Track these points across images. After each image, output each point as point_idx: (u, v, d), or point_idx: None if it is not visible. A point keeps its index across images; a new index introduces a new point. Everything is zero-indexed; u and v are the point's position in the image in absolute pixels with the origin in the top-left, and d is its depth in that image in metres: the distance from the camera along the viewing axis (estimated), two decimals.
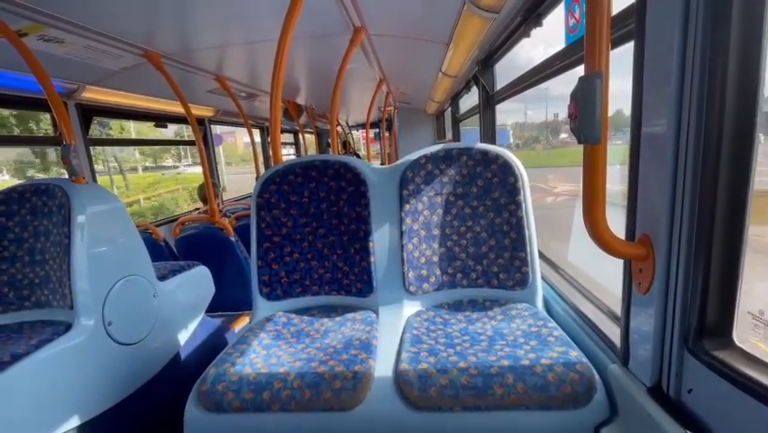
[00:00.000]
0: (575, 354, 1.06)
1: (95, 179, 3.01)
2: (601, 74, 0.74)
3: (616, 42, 1.03)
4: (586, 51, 0.75)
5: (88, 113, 2.93)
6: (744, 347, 0.71)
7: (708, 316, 0.74)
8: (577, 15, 1.34)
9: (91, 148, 2.95)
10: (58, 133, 2.64)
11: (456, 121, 4.84)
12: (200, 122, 4.41)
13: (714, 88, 0.69)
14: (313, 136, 8.42)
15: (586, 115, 0.75)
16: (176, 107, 3.40)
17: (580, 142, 0.78)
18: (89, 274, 1.52)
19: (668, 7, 0.73)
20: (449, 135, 5.76)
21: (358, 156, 7.88)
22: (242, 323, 2.65)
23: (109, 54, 2.18)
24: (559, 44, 1.52)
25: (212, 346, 2.21)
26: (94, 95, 2.75)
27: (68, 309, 1.50)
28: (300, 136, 7.63)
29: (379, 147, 9.31)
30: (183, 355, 1.97)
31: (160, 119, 3.83)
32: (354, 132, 9.59)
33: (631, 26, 0.88)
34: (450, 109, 5.13)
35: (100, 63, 2.28)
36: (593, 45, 0.74)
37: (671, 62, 0.74)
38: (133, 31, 2.01)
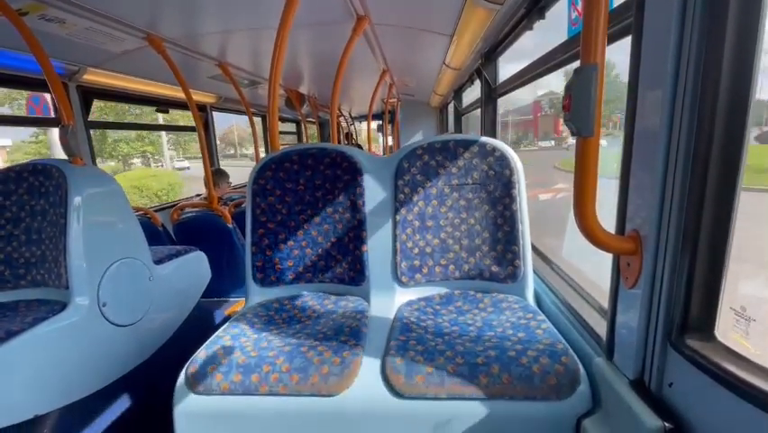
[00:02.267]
0: (561, 346, 1.07)
1: (94, 162, 3.01)
2: (597, 66, 0.74)
3: (614, 37, 1.02)
4: (582, 43, 0.75)
5: (89, 95, 2.92)
6: (725, 343, 0.72)
7: (691, 311, 0.75)
8: (580, 8, 1.33)
9: None
10: (57, 115, 2.64)
11: (459, 115, 4.82)
12: (202, 108, 4.40)
13: (707, 88, 0.69)
14: (315, 127, 8.39)
15: (580, 107, 0.75)
16: (177, 92, 3.38)
17: (573, 134, 0.78)
18: (85, 255, 1.53)
19: (665, 3, 0.73)
20: (452, 129, 5.74)
21: (360, 147, 7.85)
22: (237, 309, 2.68)
23: (111, 36, 2.17)
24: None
25: (207, 331, 2.23)
26: (95, 77, 2.74)
27: (63, 289, 1.52)
28: (302, 126, 7.61)
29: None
30: (177, 339, 1.99)
31: (162, 104, 3.81)
32: (357, 123, 9.55)
33: (629, 20, 0.88)
34: (453, 103, 5.11)
35: (102, 45, 2.27)
36: (590, 37, 0.74)
37: (666, 60, 0.74)
38: (136, 13, 2.00)
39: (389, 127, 7.50)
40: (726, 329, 0.75)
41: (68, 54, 2.36)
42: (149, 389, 1.74)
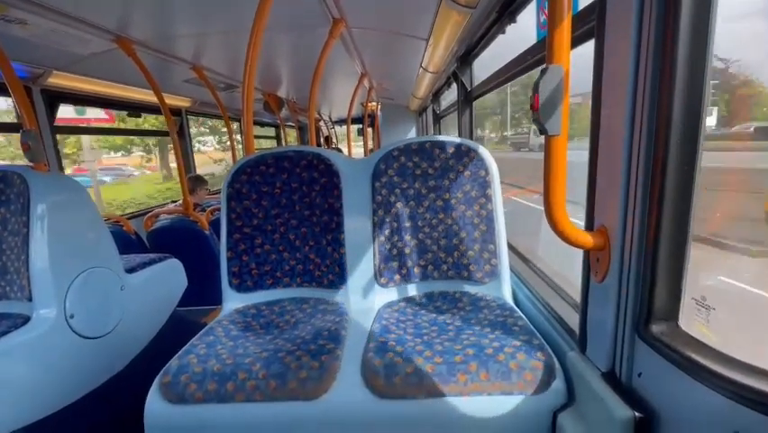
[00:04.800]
0: (537, 342, 1.09)
1: (61, 168, 2.89)
2: (562, 67, 0.76)
3: (579, 40, 1.05)
4: (548, 44, 0.77)
5: (55, 99, 2.81)
6: (689, 332, 0.75)
7: (656, 303, 0.78)
8: (548, 12, 1.36)
9: None
10: (20, 119, 2.52)
11: (437, 117, 4.87)
12: (177, 112, 4.29)
13: (664, 88, 0.72)
14: (295, 131, 8.33)
15: (548, 106, 0.77)
16: (151, 96, 3.30)
17: (541, 133, 0.80)
18: (50, 265, 1.46)
19: (625, 7, 0.76)
20: (431, 132, 5.79)
21: (340, 151, 7.84)
22: (215, 317, 2.61)
23: (77, 38, 2.09)
24: None
25: (182, 340, 2.18)
26: (61, 80, 2.63)
27: (26, 301, 1.44)
28: (281, 130, 7.53)
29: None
30: (152, 349, 1.93)
31: (134, 108, 3.71)
32: (338, 126, 9.54)
33: (592, 24, 0.91)
34: (432, 106, 5.16)
35: (67, 47, 2.18)
36: (554, 39, 0.76)
37: (626, 62, 0.77)
38: (103, 15, 1.93)
39: (370, 131, 7.51)
40: (689, 318, 0.78)
41: (31, 56, 2.26)
42: (122, 402, 1.67)
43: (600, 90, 0.85)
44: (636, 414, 0.77)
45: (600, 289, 0.90)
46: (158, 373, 1.13)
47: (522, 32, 1.81)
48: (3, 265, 1.52)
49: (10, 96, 2.16)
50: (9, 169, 1.56)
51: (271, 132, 7.83)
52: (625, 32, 0.76)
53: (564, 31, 0.75)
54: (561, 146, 0.80)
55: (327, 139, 8.69)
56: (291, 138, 8.62)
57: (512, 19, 1.73)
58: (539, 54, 1.45)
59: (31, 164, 1.65)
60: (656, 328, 0.77)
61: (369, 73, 3.93)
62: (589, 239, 0.88)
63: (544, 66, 0.78)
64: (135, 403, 1.22)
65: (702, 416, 0.66)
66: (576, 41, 1.06)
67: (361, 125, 8.64)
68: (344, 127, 9.20)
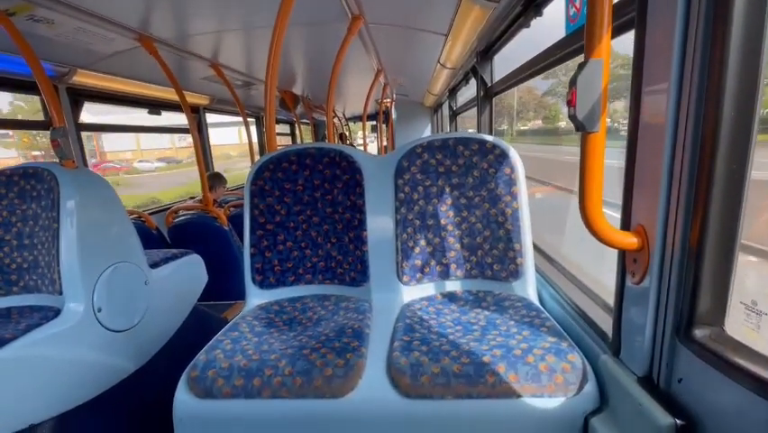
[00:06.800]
0: (567, 344, 1.06)
1: (86, 164, 2.96)
2: (602, 60, 0.74)
3: (617, 31, 1.02)
4: (586, 37, 0.74)
5: (79, 97, 2.88)
6: (735, 337, 0.72)
7: (700, 306, 0.75)
8: (578, 4, 1.32)
9: None
10: (48, 117, 2.59)
11: (454, 114, 4.82)
12: (195, 110, 4.35)
13: (713, 80, 0.68)
14: (309, 128, 8.36)
15: (586, 102, 0.74)
16: (170, 94, 3.34)
17: (577, 130, 0.78)
18: (79, 259, 1.50)
19: None
20: (447, 129, 5.74)
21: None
22: (235, 312, 2.65)
23: (101, 37, 2.13)
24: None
25: (204, 335, 2.21)
26: (85, 79, 2.69)
27: (57, 295, 1.48)
28: (296, 127, 7.57)
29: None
30: (175, 343, 1.96)
31: (154, 106, 3.77)
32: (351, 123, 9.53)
33: (632, 14, 0.87)
34: (447, 102, 5.11)
35: (91, 46, 2.22)
36: (593, 30, 0.73)
37: (671, 53, 0.73)
38: (126, 13, 1.96)
39: (384, 128, 7.49)
40: (734, 323, 0.74)
41: (58, 55, 2.32)
42: (147, 395, 1.71)
43: (641, 83, 0.82)
44: (678, 421, 0.74)
45: (637, 290, 0.87)
46: (181, 366, 1.14)
47: (538, 23, 1.76)
48: (34, 259, 1.56)
49: (39, 94, 2.21)
50: (40, 165, 1.60)
51: (286, 129, 7.87)
52: (669, 21, 0.73)
53: (605, 23, 0.73)
54: (599, 143, 0.77)
55: (342, 136, 8.69)
56: (306, 136, 8.65)
57: (538, 12, 1.68)
58: (568, 48, 1.41)
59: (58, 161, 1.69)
60: (700, 333, 0.74)
61: (385, 69, 3.91)
62: (626, 239, 0.85)
63: (582, 60, 0.75)
64: (161, 396, 1.24)
65: (751, 425, 0.63)
66: (614, 33, 1.02)
67: (374, 123, 8.62)
68: (356, 125, 9.19)
